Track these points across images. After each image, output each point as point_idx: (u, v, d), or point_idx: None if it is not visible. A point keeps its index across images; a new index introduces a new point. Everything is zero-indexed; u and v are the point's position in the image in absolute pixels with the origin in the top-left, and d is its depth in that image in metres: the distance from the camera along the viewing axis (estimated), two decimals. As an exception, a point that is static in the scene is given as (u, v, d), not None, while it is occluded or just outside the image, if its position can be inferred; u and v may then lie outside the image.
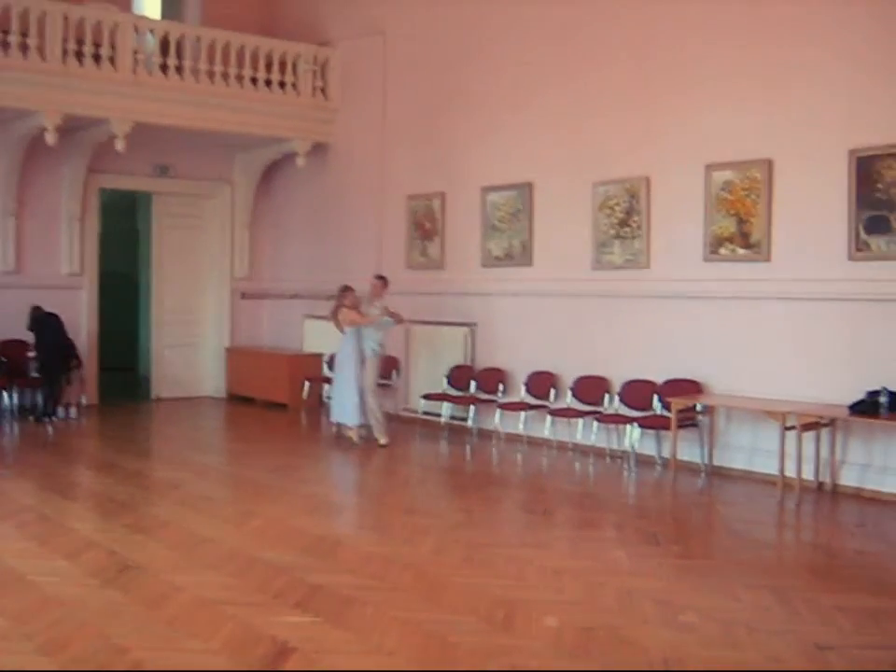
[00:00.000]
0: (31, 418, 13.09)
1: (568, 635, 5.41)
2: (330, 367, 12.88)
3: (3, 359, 13.28)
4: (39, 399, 13.40)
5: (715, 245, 10.21)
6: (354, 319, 11.71)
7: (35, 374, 13.27)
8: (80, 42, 12.84)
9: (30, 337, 13.19)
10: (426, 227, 13.45)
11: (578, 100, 11.53)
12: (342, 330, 11.87)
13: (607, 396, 11.07)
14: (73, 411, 13.45)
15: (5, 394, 13.26)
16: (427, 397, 12.67)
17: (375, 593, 6.07)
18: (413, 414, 13.26)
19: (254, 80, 14.32)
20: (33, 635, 5.25)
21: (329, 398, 11.95)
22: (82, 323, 14.54)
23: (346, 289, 11.87)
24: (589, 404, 11.18)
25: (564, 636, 5.39)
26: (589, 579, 6.45)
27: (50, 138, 12.78)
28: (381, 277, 11.99)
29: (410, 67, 13.76)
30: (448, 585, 6.27)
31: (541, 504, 8.93)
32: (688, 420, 10.07)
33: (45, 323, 13.10)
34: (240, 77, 14.13)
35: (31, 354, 13.21)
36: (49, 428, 12.71)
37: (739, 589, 6.26)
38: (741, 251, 10.02)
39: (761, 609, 5.90)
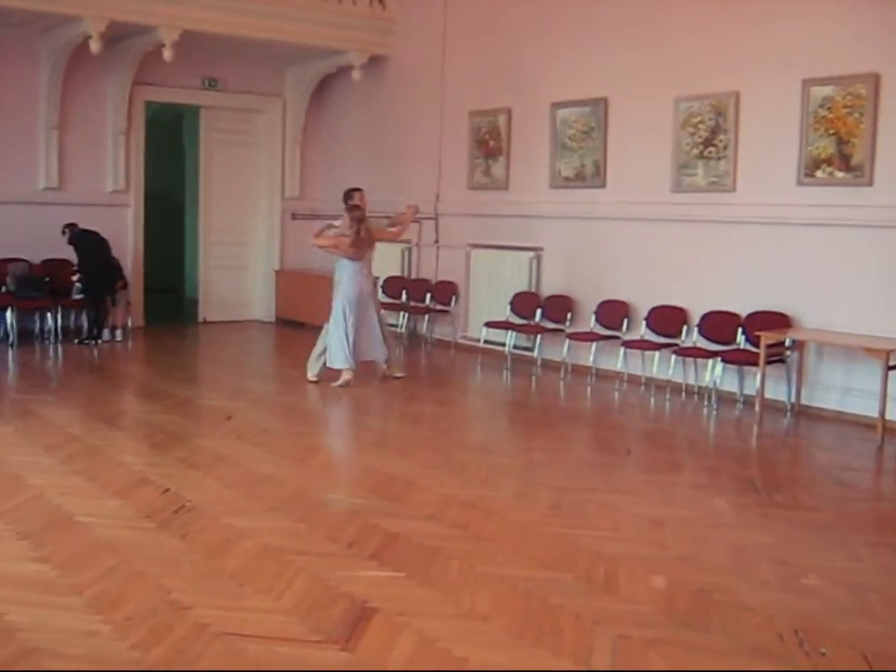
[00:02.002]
0: (75, 341, 12.57)
1: (681, 598, 4.79)
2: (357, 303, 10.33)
3: (46, 279, 12.74)
4: (84, 320, 12.88)
5: (811, 168, 9.38)
6: (392, 234, 11.01)
7: (77, 296, 12.70)
8: (128, -56, 12.11)
9: (72, 255, 12.62)
10: (489, 145, 12.66)
11: (658, 7, 10.63)
12: (361, 255, 10.33)
13: (685, 328, 10.35)
14: (118, 333, 12.90)
15: (49, 315, 12.71)
16: (489, 325, 11.98)
17: (458, 543, 5.48)
18: (472, 343, 12.62)
19: (309, -12, 13.54)
20: (83, 587, 4.68)
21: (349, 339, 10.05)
22: (127, 243, 13.97)
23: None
24: (665, 336, 10.47)
25: (676, 599, 4.77)
26: (691, 531, 5.84)
27: (95, 46, 12.07)
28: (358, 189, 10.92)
29: (474, -26, 12.90)
30: (537, 536, 5.67)
31: (622, 443, 8.29)
32: (775, 356, 9.35)
33: (88, 242, 12.53)
34: (294, -16, 13.35)
35: (74, 278, 12.63)
36: (95, 352, 12.18)
37: (860, 547, 5.62)
38: (840, 174, 9.18)
39: (889, 571, 5.27)
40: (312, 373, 10.34)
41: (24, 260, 12.85)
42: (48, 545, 5.26)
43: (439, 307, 13.20)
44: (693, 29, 10.27)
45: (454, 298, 13.02)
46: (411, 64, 13.91)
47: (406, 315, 13.54)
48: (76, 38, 12.51)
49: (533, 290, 12.03)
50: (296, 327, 14.52)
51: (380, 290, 13.91)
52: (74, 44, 12.69)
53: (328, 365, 10.20)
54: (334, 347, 10.14)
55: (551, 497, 6.53)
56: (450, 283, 13.10)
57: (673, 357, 10.14)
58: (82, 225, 12.59)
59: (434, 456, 7.50)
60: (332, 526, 5.71)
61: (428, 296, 13.31)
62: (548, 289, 11.89)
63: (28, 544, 5.26)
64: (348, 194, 10.65)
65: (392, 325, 13.69)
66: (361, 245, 10.21)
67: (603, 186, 11.28)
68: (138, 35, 12.88)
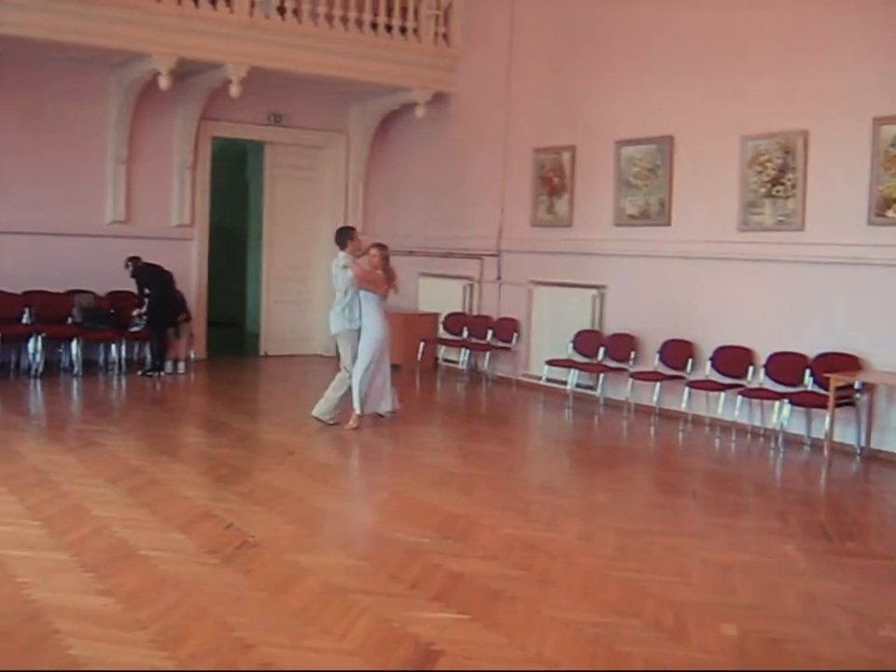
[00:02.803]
0: (139, 372, 12.67)
1: (753, 647, 4.68)
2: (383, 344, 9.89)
3: (111, 311, 12.88)
4: (147, 352, 12.99)
5: (881, 207, 9.22)
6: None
7: (137, 328, 12.80)
8: (197, -17, 12.30)
9: (133, 286, 12.76)
10: (553, 182, 12.62)
11: (725, 44, 10.55)
12: (387, 293, 9.93)
13: (751, 368, 10.19)
14: (181, 366, 12.99)
15: (113, 347, 12.83)
16: (551, 363, 11.89)
17: (523, 585, 5.39)
18: (534, 381, 12.52)
19: (374, 25, 13.62)
20: (147, 622, 4.66)
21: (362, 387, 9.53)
22: (191, 276, 14.09)
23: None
24: (730, 377, 10.30)
25: (747, 648, 4.66)
26: (762, 577, 5.70)
27: (164, 83, 12.27)
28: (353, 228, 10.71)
29: (539, 12, 12.89)
30: (603, 579, 5.56)
31: (687, 485, 8.15)
32: (844, 398, 9.16)
33: (151, 275, 12.65)
34: (359, 22, 13.43)
35: (135, 312, 12.75)
36: (157, 384, 12.27)
37: (940, 599, 5.44)
38: (912, 214, 9.05)
39: (972, 626, 5.09)
40: (329, 416, 9.81)
41: (90, 292, 13.01)
42: (112, 578, 5.25)
43: (500, 344, 13.14)
44: (761, 67, 10.17)
45: (515, 335, 12.96)
46: (474, 101, 13.94)
47: (467, 351, 13.48)
48: (145, 75, 12.70)
49: (596, 328, 11.92)
50: (356, 362, 14.51)
51: (441, 326, 13.96)
52: (143, 80, 12.89)
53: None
54: (356, 389, 9.65)
55: (616, 539, 6.42)
56: (512, 320, 13.04)
57: (739, 398, 9.98)
58: (147, 258, 12.74)
59: (496, 496, 7.42)
60: (396, 565, 5.63)
61: (490, 333, 13.26)
62: (611, 328, 11.78)
63: (92, 577, 5.26)
64: (349, 233, 10.09)
65: (452, 362, 13.72)
66: (389, 284, 9.86)
67: (668, 224, 11.18)
68: (206, 72, 13.06)
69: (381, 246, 9.98)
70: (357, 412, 9.65)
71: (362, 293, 9.67)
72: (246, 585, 5.25)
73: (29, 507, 6.58)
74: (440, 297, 14.20)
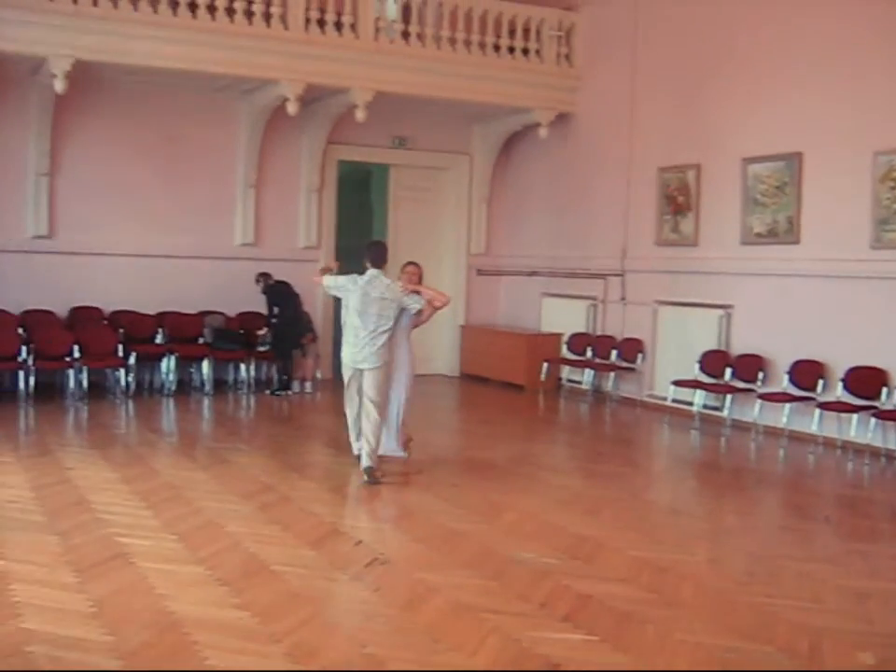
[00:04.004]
0: (267, 392, 12.94)
1: (892, 677, 4.54)
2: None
3: (241, 331, 13.19)
4: (274, 372, 13.26)
5: None
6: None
7: (264, 347, 13.09)
8: (323, 10, 12.55)
9: (262, 302, 13.08)
10: (678, 201, 12.49)
11: (854, 58, 10.33)
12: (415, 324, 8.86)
13: (885, 390, 9.91)
14: (307, 385, 13.22)
15: (242, 366, 13.14)
16: (677, 383, 11.75)
17: (653, 608, 5.34)
18: (659, 402, 12.38)
19: (496, 47, 13.72)
20: (281, 636, 4.76)
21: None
22: (317, 297, 14.28)
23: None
24: (863, 398, 10.03)
25: (887, 678, 4.53)
26: (900, 606, 5.54)
27: (292, 108, 12.56)
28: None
29: (662, 30, 12.81)
30: (734, 604, 5.47)
31: (819, 510, 7.97)
32: None
33: (281, 294, 12.93)
34: (482, 44, 13.55)
35: (260, 332, 13.04)
36: (285, 403, 12.51)
37: None
38: None
39: None
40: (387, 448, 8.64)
41: (221, 313, 13.36)
42: (246, 592, 5.37)
43: (624, 364, 13.04)
44: (891, 81, 9.92)
45: (640, 355, 12.85)
46: (597, 121, 13.90)
47: (591, 372, 13.41)
48: (274, 101, 13.02)
49: (723, 348, 11.74)
50: (481, 382, 14.59)
51: (564, 347, 13.91)
52: (272, 106, 13.22)
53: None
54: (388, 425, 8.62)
55: (746, 563, 6.31)
56: (636, 340, 12.94)
57: (872, 420, 9.71)
58: (276, 277, 13.02)
59: (623, 517, 7.37)
60: (524, 585, 5.64)
61: (614, 353, 13.16)
62: (738, 348, 11.58)
63: (228, 591, 5.39)
64: (384, 253, 8.81)
65: (576, 382, 13.68)
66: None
67: (797, 242, 10.96)
68: (332, 97, 13.32)
69: (416, 264, 9.01)
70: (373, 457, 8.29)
71: (403, 322, 8.52)
72: (376, 602, 5.32)
73: (165, 522, 6.78)
74: (563, 317, 14.17)
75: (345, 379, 8.55)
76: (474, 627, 4.97)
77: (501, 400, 13.44)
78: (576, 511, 7.45)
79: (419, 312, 8.58)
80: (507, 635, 4.87)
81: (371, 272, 8.39)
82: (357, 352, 8.31)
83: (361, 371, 8.33)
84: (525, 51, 13.92)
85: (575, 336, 13.80)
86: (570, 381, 14.00)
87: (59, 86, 11.35)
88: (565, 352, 13.93)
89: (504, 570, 5.92)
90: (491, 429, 11.15)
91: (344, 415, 8.76)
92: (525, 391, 13.76)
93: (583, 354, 13.61)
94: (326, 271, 8.81)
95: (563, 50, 14.12)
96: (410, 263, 9.01)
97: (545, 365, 13.75)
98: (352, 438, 8.72)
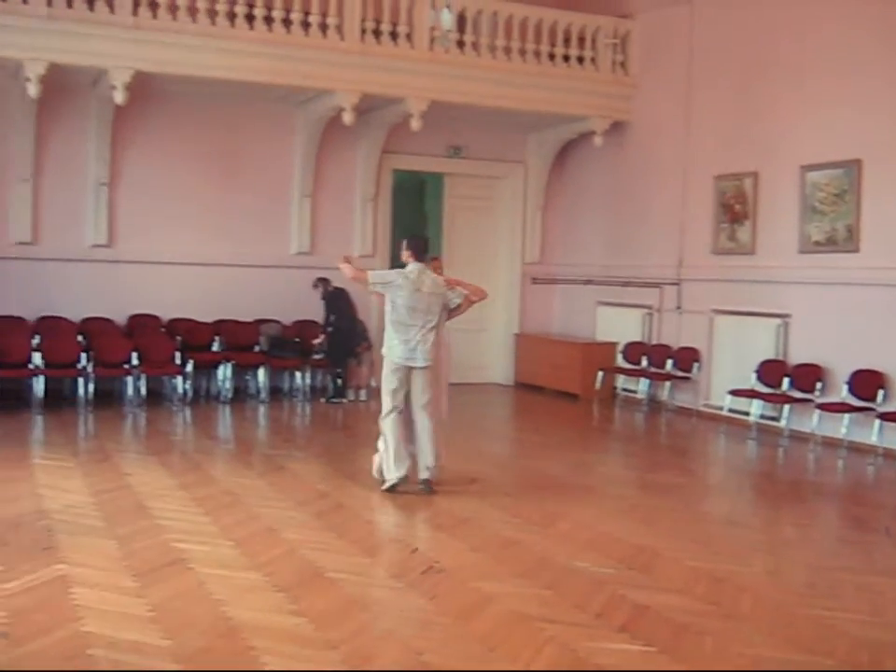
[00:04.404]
0: (322, 399, 13.01)
1: (956, 692, 4.46)
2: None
3: (297, 340, 13.27)
4: (329, 380, 13.32)
5: None
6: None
7: (319, 356, 13.17)
8: (378, 20, 12.63)
9: (319, 309, 13.17)
10: (735, 209, 12.38)
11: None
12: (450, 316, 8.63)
13: (947, 400, 9.77)
14: (362, 393, 13.27)
15: (297, 374, 13.22)
16: (733, 393, 11.63)
17: (711, 620, 5.29)
18: (715, 411, 12.27)
19: (551, 56, 13.69)
20: (337, 643, 4.78)
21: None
22: (372, 306, 14.34)
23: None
24: (925, 409, 9.90)
25: (951, 693, 4.45)
26: (964, 621, 5.43)
27: (348, 118, 12.64)
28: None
29: (719, 37, 12.71)
30: (793, 616, 5.40)
31: (879, 521, 7.83)
32: None
33: (338, 301, 13.00)
34: (537, 53, 13.55)
35: (315, 341, 13.10)
36: (340, 411, 12.56)
37: None
38: None
39: None
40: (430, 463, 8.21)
41: (276, 321, 13.46)
42: (302, 599, 5.40)
43: (680, 374, 12.94)
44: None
45: (696, 364, 12.74)
46: (652, 129, 13.83)
47: (646, 381, 13.33)
48: (329, 111, 13.12)
49: (780, 358, 11.61)
50: (535, 391, 14.56)
51: (619, 356, 13.85)
52: (327, 116, 13.31)
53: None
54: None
55: (805, 575, 6.23)
56: (692, 349, 12.83)
57: (935, 431, 9.57)
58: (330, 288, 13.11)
59: (680, 527, 7.30)
60: (580, 595, 5.61)
61: (670, 362, 13.07)
62: (796, 357, 11.44)
63: (284, 597, 5.42)
64: (427, 246, 8.42)
65: (631, 391, 13.61)
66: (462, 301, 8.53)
67: (856, 250, 10.82)
68: (387, 107, 13.38)
69: (438, 258, 9.08)
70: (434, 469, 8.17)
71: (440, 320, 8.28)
72: (432, 610, 5.32)
73: (222, 528, 6.84)
74: (618, 326, 14.11)
75: (392, 384, 8.12)
76: (530, 637, 4.95)
77: (556, 409, 13.40)
78: (632, 521, 7.40)
79: (458, 306, 8.48)
80: (563, 644, 4.85)
81: (416, 265, 8.12)
82: (410, 349, 8.05)
83: (412, 369, 8.10)
84: (581, 59, 13.89)
85: (630, 345, 13.73)
86: (625, 390, 13.93)
87: (119, 97, 11.52)
88: (620, 361, 13.86)
89: (560, 580, 5.90)
90: (546, 438, 11.11)
91: (379, 440, 8.24)
92: (580, 400, 13.70)
93: (639, 363, 13.53)
94: (347, 260, 8.31)
95: (618, 58, 14.07)
96: (434, 258, 8.87)
97: (600, 374, 13.69)
98: (390, 462, 8.03)
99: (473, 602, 5.44)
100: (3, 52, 11.07)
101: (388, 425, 8.15)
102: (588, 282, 14.78)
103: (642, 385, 13.43)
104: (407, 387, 8.18)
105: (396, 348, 8.11)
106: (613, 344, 14.02)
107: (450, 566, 6.10)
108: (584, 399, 13.67)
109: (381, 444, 8.24)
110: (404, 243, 8.28)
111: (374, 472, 8.27)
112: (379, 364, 14.01)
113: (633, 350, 13.67)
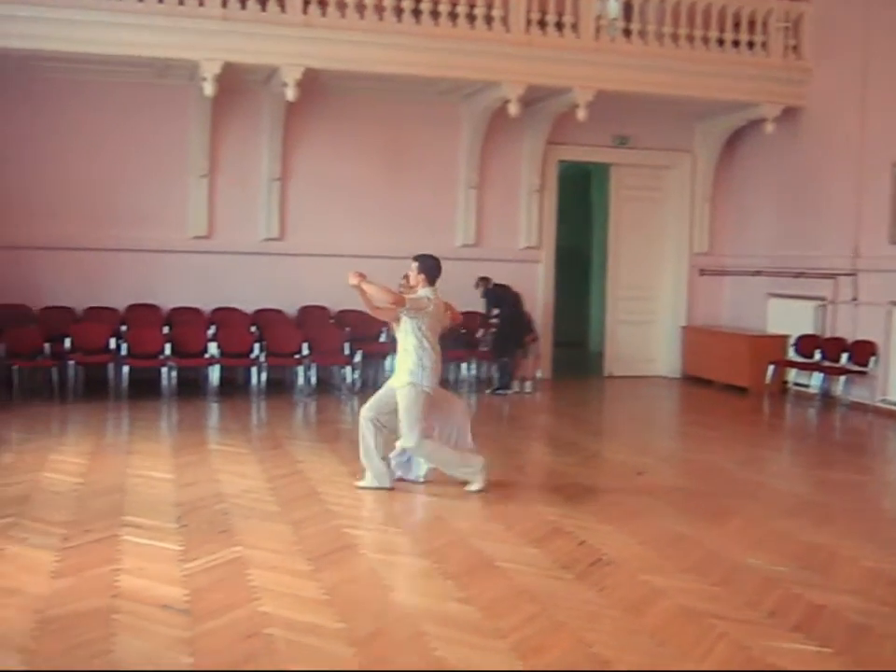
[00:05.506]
0: (487, 391, 13.07)
1: None
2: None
3: (463, 331, 13.35)
4: (494, 372, 13.37)
5: None
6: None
7: (485, 348, 13.24)
8: (543, 11, 12.60)
9: (482, 303, 13.27)
10: (916, 197, 11.90)
11: None
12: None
13: None
14: (528, 385, 13.28)
15: (463, 365, 13.32)
16: (914, 388, 11.20)
17: (891, 622, 5.11)
18: (893, 408, 11.81)
19: (720, 42, 13.40)
20: (507, 632, 4.81)
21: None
22: (538, 297, 14.39)
23: None
24: None
25: None
26: None
27: (513, 109, 12.66)
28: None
29: (897, 17, 12.22)
30: (982, 622, 5.16)
31: None
32: None
33: (502, 296, 13.05)
34: (706, 39, 13.28)
35: (479, 333, 13.19)
36: (506, 402, 12.60)
37: None
38: None
39: None
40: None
41: (444, 313, 13.56)
42: (471, 587, 5.45)
43: (855, 368, 12.49)
44: None
45: (873, 358, 12.27)
46: (827, 114, 13.37)
47: (819, 375, 12.93)
48: (495, 103, 13.16)
49: (965, 352, 11.12)
50: (703, 384, 14.30)
51: (791, 349, 13.46)
52: (493, 108, 13.36)
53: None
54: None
55: None
56: (869, 342, 12.36)
57: None
58: (496, 280, 13.15)
59: (856, 526, 7.06)
60: (752, 593, 5.49)
61: (844, 356, 12.62)
62: (982, 351, 10.94)
63: (453, 585, 5.48)
64: (437, 269, 7.97)
65: (803, 386, 13.23)
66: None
67: None
68: (553, 98, 13.34)
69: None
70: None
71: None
72: (601, 602, 5.29)
73: (391, 515, 7.00)
74: (790, 318, 13.70)
75: (423, 411, 7.60)
76: (701, 633, 4.87)
77: (724, 403, 13.12)
78: (806, 519, 7.18)
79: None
80: (736, 642, 4.76)
81: (431, 288, 7.79)
82: (437, 377, 7.76)
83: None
84: (751, 44, 13.53)
85: (803, 338, 13.31)
86: (797, 384, 13.54)
87: (290, 94, 11.82)
88: (791, 354, 13.46)
89: (731, 576, 5.78)
90: (714, 432, 10.90)
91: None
92: (749, 394, 13.38)
93: (811, 356, 13.11)
94: (361, 276, 7.64)
95: (790, 42, 13.66)
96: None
97: (771, 367, 13.32)
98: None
99: (642, 596, 5.39)
100: (180, 54, 11.55)
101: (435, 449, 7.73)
102: (758, 273, 14.41)
103: (815, 380, 13.04)
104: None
105: (428, 375, 7.65)
106: (784, 337, 13.62)
107: (618, 558, 6.05)
108: (754, 393, 13.34)
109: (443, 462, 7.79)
110: (415, 265, 7.83)
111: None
112: (546, 356, 14.16)
113: (805, 343, 13.26)
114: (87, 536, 6.26)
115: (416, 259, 7.90)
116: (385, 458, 7.77)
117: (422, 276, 7.81)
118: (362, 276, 7.62)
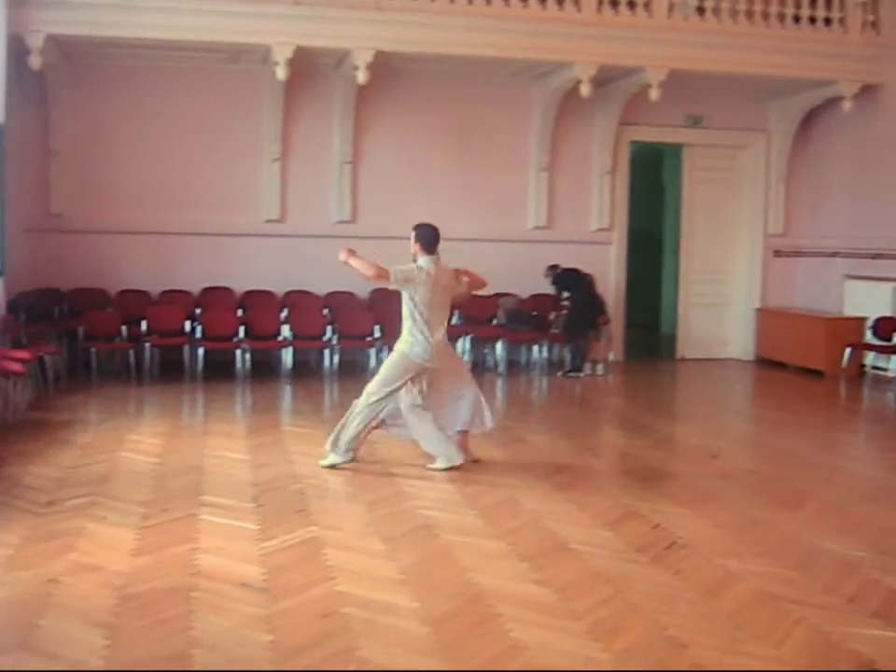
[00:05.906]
0: (559, 373, 13.03)
1: None
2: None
3: (534, 313, 13.35)
4: (566, 354, 13.33)
5: None
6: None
7: (556, 330, 13.24)
8: (615, -10, 12.52)
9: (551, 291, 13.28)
10: None
11: None
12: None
13: None
14: (599, 367, 13.21)
15: (535, 348, 13.31)
16: None
17: (975, 610, 5.02)
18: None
19: (796, 18, 13.17)
20: (582, 614, 4.81)
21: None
22: (610, 279, 14.30)
23: None
24: None
25: None
26: None
27: (585, 90, 12.57)
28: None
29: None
30: None
31: None
32: None
33: (571, 280, 12.99)
34: (781, 16, 13.06)
35: (551, 316, 13.18)
36: (577, 385, 12.56)
37: None
38: None
39: None
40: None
41: (514, 295, 13.55)
42: (546, 569, 5.46)
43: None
44: None
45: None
46: (908, 92, 13.10)
47: (898, 358, 12.73)
48: (566, 83, 13.09)
49: None
50: (777, 367, 14.12)
51: (869, 331, 13.22)
52: (564, 89, 13.29)
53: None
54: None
55: None
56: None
57: None
58: (567, 263, 13.12)
59: (938, 511, 6.95)
60: (830, 578, 5.43)
61: (925, 338, 12.40)
62: None
63: (528, 566, 5.50)
64: (439, 237, 7.90)
65: (881, 369, 13.00)
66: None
67: None
68: (625, 78, 13.23)
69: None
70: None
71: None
72: (676, 586, 5.27)
73: (466, 497, 6.98)
74: (868, 300, 13.45)
75: (398, 381, 7.64)
76: (779, 618, 4.83)
77: (799, 386, 12.93)
78: (884, 504, 7.09)
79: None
80: (814, 627, 4.71)
81: (430, 257, 7.71)
82: (430, 348, 7.63)
83: (425, 370, 7.69)
84: (828, 21, 13.28)
85: (881, 320, 13.05)
86: (875, 368, 13.31)
87: (361, 77, 11.88)
88: (869, 337, 13.23)
89: (808, 561, 5.72)
90: (790, 416, 10.76)
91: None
92: (825, 377, 13.17)
93: (890, 339, 12.87)
94: (351, 252, 7.80)
95: (868, 18, 13.37)
96: None
97: (847, 350, 13.09)
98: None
99: (718, 579, 5.36)
100: (253, 39, 11.66)
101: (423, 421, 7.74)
102: (834, 254, 14.18)
103: (894, 363, 12.80)
104: (420, 386, 7.76)
105: (418, 346, 7.64)
106: (862, 319, 13.38)
107: (693, 542, 6.01)
108: (830, 377, 13.13)
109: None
110: (413, 233, 7.81)
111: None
112: (617, 338, 14.09)
113: (884, 325, 13.00)
114: (165, 515, 6.38)
115: (414, 228, 7.89)
116: (448, 435, 7.76)
117: (418, 245, 7.78)
118: (351, 252, 7.79)
